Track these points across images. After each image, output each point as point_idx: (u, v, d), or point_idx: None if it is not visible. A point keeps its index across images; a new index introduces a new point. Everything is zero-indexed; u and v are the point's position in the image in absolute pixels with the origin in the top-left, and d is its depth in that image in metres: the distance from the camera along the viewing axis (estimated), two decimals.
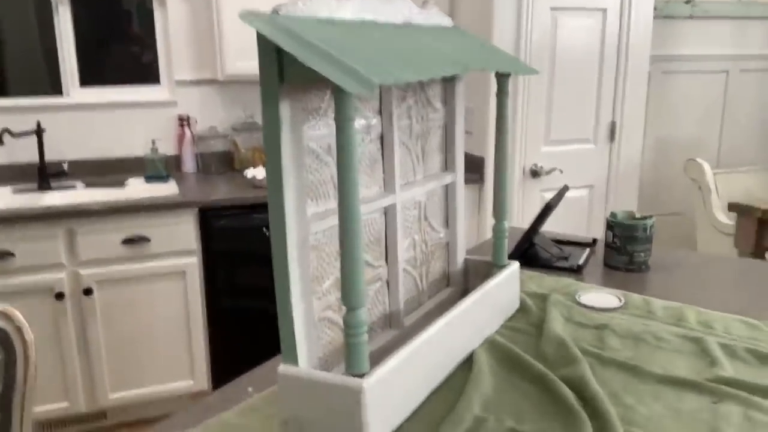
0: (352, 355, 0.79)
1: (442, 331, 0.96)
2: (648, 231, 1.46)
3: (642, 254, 1.47)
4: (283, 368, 0.83)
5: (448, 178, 1.18)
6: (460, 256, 1.25)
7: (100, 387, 2.47)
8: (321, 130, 0.87)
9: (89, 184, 2.77)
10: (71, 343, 2.40)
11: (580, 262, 1.53)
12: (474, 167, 2.84)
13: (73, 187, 2.74)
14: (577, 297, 1.28)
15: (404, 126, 1.05)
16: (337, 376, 0.80)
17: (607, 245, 1.52)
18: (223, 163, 2.98)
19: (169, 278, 2.47)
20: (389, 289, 1.05)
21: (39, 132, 2.66)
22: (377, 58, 0.77)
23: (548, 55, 2.73)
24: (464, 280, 1.27)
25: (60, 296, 2.34)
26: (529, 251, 1.54)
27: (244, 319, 2.63)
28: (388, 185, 1.02)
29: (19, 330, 1.28)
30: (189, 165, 2.95)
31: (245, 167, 2.87)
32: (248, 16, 0.72)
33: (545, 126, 2.82)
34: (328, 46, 0.72)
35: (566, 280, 1.40)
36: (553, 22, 2.70)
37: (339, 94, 0.71)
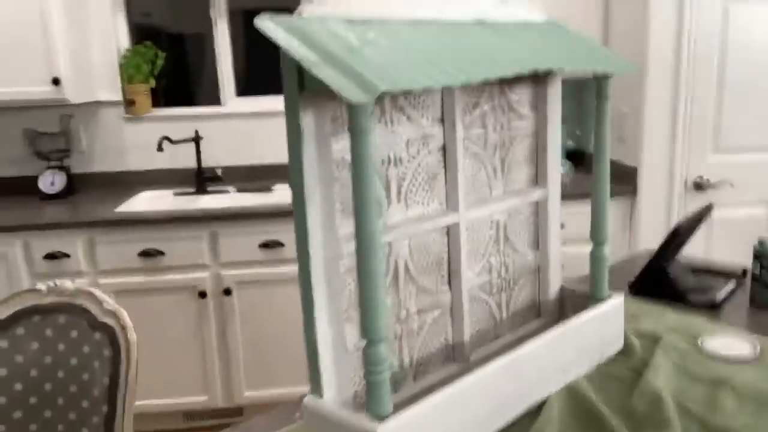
0: (371, 394, 0.70)
1: (501, 371, 0.83)
2: None
3: None
4: (308, 399, 0.77)
5: (536, 194, 1.04)
6: (554, 284, 1.10)
7: (236, 384, 2.60)
8: None
9: (240, 189, 2.93)
10: (212, 341, 2.55)
11: (720, 296, 1.28)
12: (626, 178, 2.56)
13: (226, 191, 2.92)
14: (699, 341, 1.07)
15: (476, 135, 0.94)
16: (354, 416, 0.71)
17: (754, 279, 1.26)
18: None
19: None
20: (452, 318, 0.94)
21: (197, 139, 2.87)
22: (408, 61, 0.68)
23: (717, 51, 2.38)
24: (559, 312, 1.11)
25: (203, 295, 2.49)
26: (656, 280, 1.33)
27: None
28: (451, 202, 0.91)
29: (124, 330, 1.35)
30: None
31: None
32: (261, 19, 0.67)
33: (713, 131, 2.47)
34: (344, 49, 0.64)
35: (695, 320, 1.18)
36: (724, 14, 2.35)
37: (348, 102, 0.63)
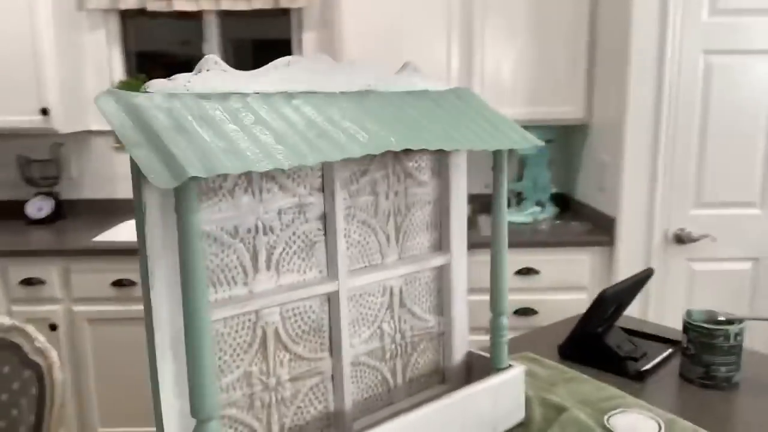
0: None
1: None
2: (732, 340, 1.14)
3: (722, 368, 1.15)
4: None
5: (438, 260, 1.03)
6: (460, 349, 1.09)
7: None
8: (224, 212, 0.79)
9: None
10: None
11: (645, 366, 1.25)
12: (605, 227, 2.53)
13: None
14: (605, 418, 1.04)
15: (365, 203, 0.94)
16: None
17: (683, 351, 1.22)
18: None
19: None
20: (334, 386, 0.93)
21: None
22: (243, 140, 0.68)
23: (699, 105, 2.35)
24: (466, 378, 1.09)
25: None
26: (583, 344, 1.30)
27: None
28: (331, 271, 0.91)
29: (51, 369, 1.37)
30: None
31: None
32: (100, 95, 0.68)
33: (696, 184, 2.42)
34: (171, 130, 0.65)
35: (613, 391, 1.15)
36: (707, 67, 2.32)
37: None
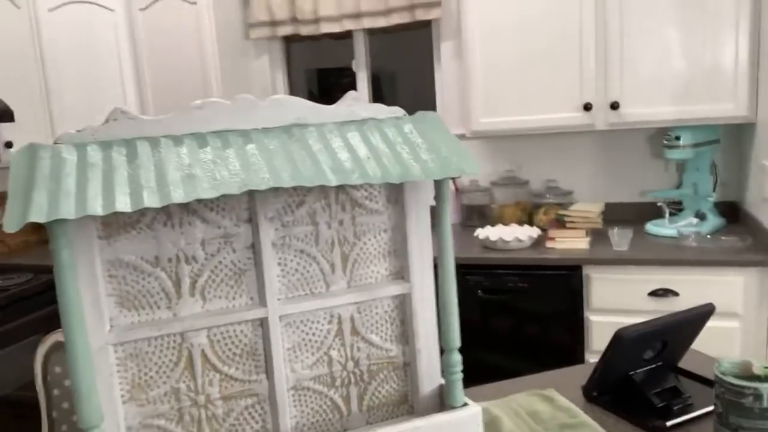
0: None
1: None
2: (765, 401, 0.94)
3: None
4: None
5: (394, 289, 1.01)
6: (429, 380, 1.05)
7: None
8: (143, 243, 0.89)
9: None
10: None
11: (673, 420, 1.07)
12: (766, 244, 2.16)
13: None
14: None
15: (303, 232, 0.96)
16: None
17: (714, 409, 1.03)
18: (482, 216, 2.95)
19: None
20: (271, 407, 0.97)
21: None
22: (115, 182, 0.76)
23: None
24: (440, 409, 1.05)
25: None
26: (607, 388, 1.16)
27: None
28: (261, 298, 0.95)
29: None
30: (453, 216, 3.02)
31: (498, 222, 2.80)
32: (17, 148, 0.81)
33: None
34: (46, 176, 0.75)
35: None
36: None
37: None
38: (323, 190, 0.97)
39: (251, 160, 0.83)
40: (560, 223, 2.65)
